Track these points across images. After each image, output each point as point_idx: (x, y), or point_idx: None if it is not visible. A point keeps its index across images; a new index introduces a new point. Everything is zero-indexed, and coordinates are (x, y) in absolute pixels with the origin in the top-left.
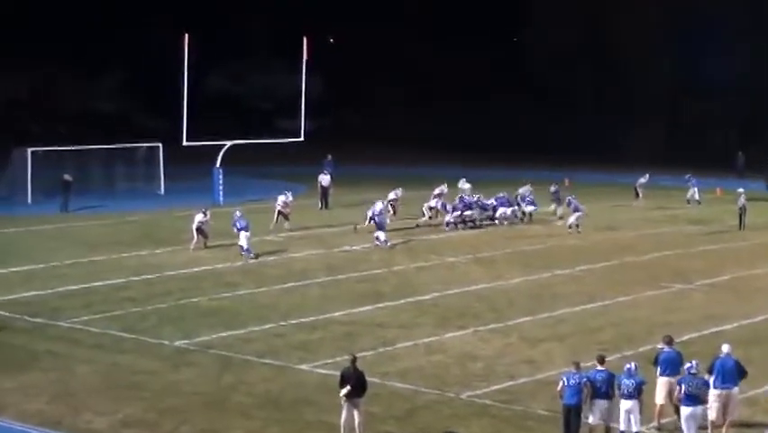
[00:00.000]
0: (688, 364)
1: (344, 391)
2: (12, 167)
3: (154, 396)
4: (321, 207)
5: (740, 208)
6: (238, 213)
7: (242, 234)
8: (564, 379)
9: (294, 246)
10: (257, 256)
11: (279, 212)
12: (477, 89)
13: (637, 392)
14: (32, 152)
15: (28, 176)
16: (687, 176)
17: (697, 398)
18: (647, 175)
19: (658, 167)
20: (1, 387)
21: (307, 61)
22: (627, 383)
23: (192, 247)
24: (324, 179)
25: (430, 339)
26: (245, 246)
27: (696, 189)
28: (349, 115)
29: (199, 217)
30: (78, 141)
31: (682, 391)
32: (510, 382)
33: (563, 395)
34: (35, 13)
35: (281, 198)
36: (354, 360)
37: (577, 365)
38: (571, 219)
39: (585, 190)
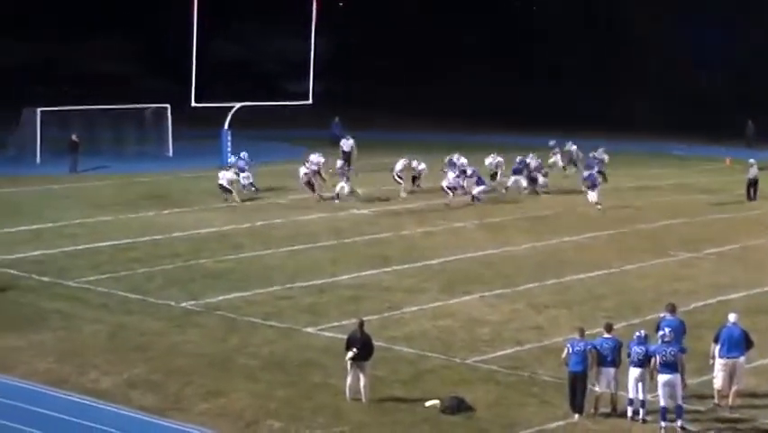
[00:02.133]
0: (660, 333)
1: (350, 354)
2: (21, 127)
3: (160, 357)
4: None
5: (751, 179)
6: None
7: (242, 174)
8: (569, 346)
9: (301, 209)
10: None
11: (316, 173)
12: (480, 58)
13: (647, 360)
14: (41, 113)
15: (37, 136)
16: (551, 142)
17: (673, 365)
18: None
19: (666, 136)
20: (9, 345)
21: (317, 24)
22: (638, 351)
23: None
24: (347, 144)
25: (436, 304)
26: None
27: (559, 157)
28: (357, 79)
29: (229, 176)
30: (88, 102)
31: (657, 361)
32: (516, 348)
33: (569, 362)
34: None
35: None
36: (362, 324)
37: (581, 332)
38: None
39: None
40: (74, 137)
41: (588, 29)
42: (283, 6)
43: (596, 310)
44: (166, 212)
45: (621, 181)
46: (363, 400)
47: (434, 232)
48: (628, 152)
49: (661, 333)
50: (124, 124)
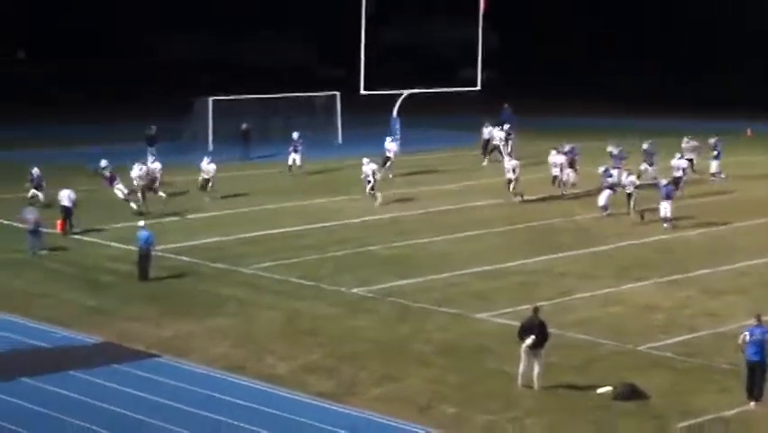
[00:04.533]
0: None
1: (529, 341)
2: (194, 116)
3: (333, 342)
4: (483, 161)
5: None
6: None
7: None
8: (746, 334)
9: (471, 196)
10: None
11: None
12: (644, 43)
13: None
14: (214, 102)
15: (209, 125)
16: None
17: None
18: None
19: None
20: (187, 331)
21: (485, 11)
22: None
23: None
24: (485, 132)
25: (608, 290)
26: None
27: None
28: (527, 65)
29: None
30: (258, 91)
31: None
32: (691, 335)
33: (746, 351)
34: None
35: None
36: (537, 310)
37: (758, 319)
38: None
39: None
40: (245, 126)
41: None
42: None
43: None
44: (336, 199)
45: None
46: (536, 386)
47: (604, 217)
48: None
49: None
50: (295, 113)
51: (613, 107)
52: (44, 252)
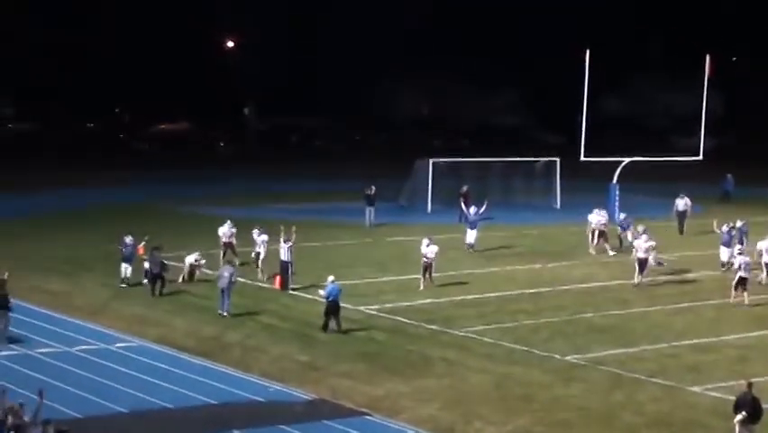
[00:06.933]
0: None
1: (739, 417)
2: (414, 177)
3: (543, 409)
4: (680, 233)
5: None
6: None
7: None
8: None
9: (685, 266)
10: None
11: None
12: None
13: None
14: (434, 164)
15: (428, 186)
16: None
17: None
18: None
19: None
20: (397, 391)
21: (709, 79)
22: None
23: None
24: (680, 203)
25: None
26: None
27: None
28: (751, 135)
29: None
30: (477, 154)
31: None
32: None
33: None
34: (449, 33)
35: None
36: (750, 385)
37: None
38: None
39: None
40: (465, 188)
41: None
42: (674, 61)
43: None
44: (551, 265)
45: None
46: None
47: None
48: None
49: None
50: (513, 177)
51: None
52: (227, 313)
